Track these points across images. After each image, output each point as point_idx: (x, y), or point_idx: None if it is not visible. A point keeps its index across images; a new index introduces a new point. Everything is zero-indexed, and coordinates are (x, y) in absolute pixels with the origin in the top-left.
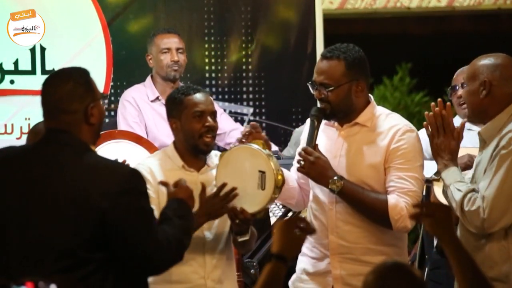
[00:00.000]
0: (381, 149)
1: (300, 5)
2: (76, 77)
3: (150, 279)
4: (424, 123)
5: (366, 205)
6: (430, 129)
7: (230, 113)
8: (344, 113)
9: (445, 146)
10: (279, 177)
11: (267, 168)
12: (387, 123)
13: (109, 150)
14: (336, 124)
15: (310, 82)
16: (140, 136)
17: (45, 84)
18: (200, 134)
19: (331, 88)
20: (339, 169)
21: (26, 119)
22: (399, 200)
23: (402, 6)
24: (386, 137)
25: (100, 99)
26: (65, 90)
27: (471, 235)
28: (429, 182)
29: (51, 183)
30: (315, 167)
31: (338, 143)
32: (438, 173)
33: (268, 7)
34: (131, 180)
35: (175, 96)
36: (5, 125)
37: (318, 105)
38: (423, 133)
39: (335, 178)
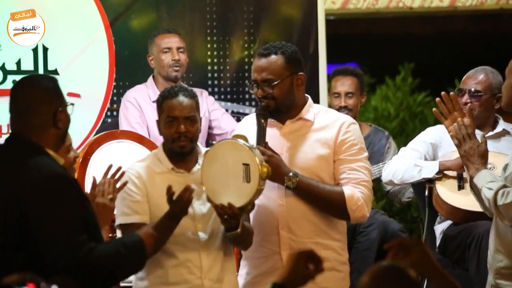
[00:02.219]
0: (329, 141)
1: (302, 5)
2: (45, 82)
3: (146, 282)
4: (451, 133)
5: (323, 199)
6: (456, 140)
7: (233, 113)
8: (287, 107)
9: (474, 151)
10: (264, 169)
11: (250, 161)
12: (329, 117)
13: (111, 150)
14: (275, 122)
15: (250, 83)
16: (142, 136)
17: (14, 89)
18: (173, 139)
19: (275, 83)
20: (288, 164)
21: None
22: (355, 191)
23: (404, 6)
24: (332, 130)
25: (67, 106)
26: (35, 93)
27: (508, 231)
28: (431, 182)
29: None
30: (270, 166)
31: (282, 140)
32: (439, 172)
33: (270, 7)
34: (48, 182)
35: (158, 98)
36: (8, 126)
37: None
38: (425, 132)
39: (291, 174)
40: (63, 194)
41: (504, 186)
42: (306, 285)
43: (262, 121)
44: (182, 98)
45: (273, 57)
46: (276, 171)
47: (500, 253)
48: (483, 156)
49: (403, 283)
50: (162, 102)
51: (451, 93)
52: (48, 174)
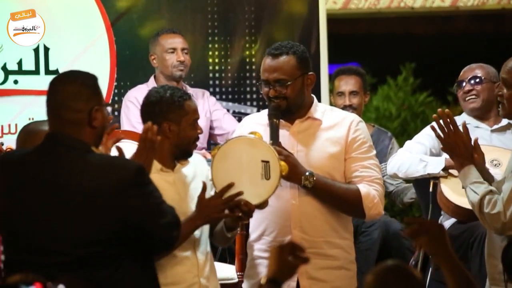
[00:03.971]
0: (340, 139)
1: (304, 5)
2: (84, 78)
3: None
4: (431, 124)
5: (339, 197)
6: (437, 130)
7: (234, 113)
8: (298, 107)
9: (457, 142)
10: (283, 166)
11: (270, 157)
12: (337, 115)
13: (113, 149)
14: (284, 122)
15: (261, 82)
16: None
17: (53, 83)
18: (195, 140)
19: (288, 83)
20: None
21: (29, 119)
22: (370, 189)
23: (405, 6)
24: (341, 128)
25: (105, 105)
26: (72, 89)
27: (497, 236)
28: (436, 179)
29: (63, 184)
30: (287, 166)
31: (292, 139)
32: (445, 169)
33: (272, 7)
34: (138, 174)
35: (174, 99)
36: (9, 125)
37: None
38: (427, 130)
39: (307, 173)
40: (150, 180)
41: (491, 192)
42: (295, 274)
43: (275, 121)
44: (194, 101)
45: (285, 57)
46: (293, 170)
47: (493, 258)
48: (467, 148)
49: (408, 282)
50: (183, 104)
51: (446, 110)
52: (136, 165)
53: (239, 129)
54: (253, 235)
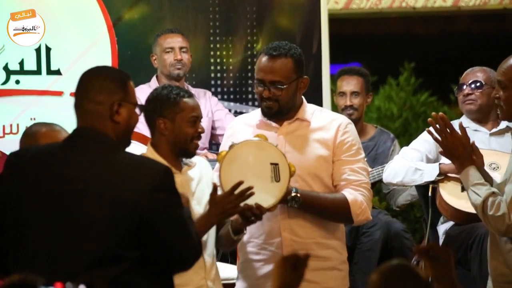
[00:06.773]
0: (328, 141)
1: (306, 5)
2: (112, 73)
3: None
4: (427, 129)
5: (328, 209)
6: (434, 134)
7: (235, 113)
8: (288, 110)
9: (456, 143)
10: (292, 168)
11: (279, 159)
12: (325, 117)
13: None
14: (272, 123)
15: (256, 81)
16: (145, 136)
17: (81, 76)
18: (192, 138)
19: (284, 86)
20: None
21: (31, 119)
22: (356, 194)
23: (407, 6)
24: (330, 130)
25: (134, 104)
26: (97, 81)
27: (500, 238)
28: (434, 183)
29: (86, 180)
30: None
31: (280, 140)
32: (440, 175)
33: (273, 7)
34: (166, 177)
35: (169, 96)
36: (11, 125)
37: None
38: (424, 136)
39: (293, 193)
40: (175, 187)
41: (493, 194)
42: (299, 285)
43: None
44: (196, 100)
45: (283, 59)
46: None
47: (496, 260)
48: (466, 148)
49: (413, 282)
50: (179, 101)
51: (440, 113)
52: (163, 167)
53: (229, 130)
54: (244, 237)
